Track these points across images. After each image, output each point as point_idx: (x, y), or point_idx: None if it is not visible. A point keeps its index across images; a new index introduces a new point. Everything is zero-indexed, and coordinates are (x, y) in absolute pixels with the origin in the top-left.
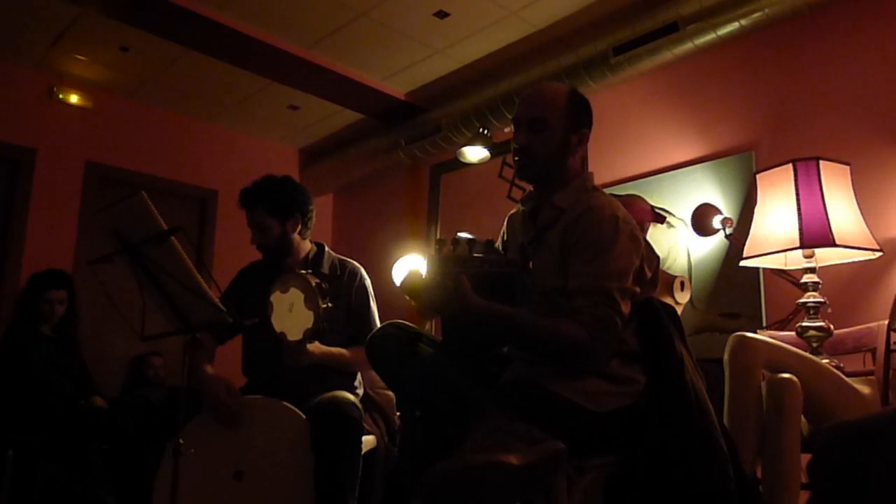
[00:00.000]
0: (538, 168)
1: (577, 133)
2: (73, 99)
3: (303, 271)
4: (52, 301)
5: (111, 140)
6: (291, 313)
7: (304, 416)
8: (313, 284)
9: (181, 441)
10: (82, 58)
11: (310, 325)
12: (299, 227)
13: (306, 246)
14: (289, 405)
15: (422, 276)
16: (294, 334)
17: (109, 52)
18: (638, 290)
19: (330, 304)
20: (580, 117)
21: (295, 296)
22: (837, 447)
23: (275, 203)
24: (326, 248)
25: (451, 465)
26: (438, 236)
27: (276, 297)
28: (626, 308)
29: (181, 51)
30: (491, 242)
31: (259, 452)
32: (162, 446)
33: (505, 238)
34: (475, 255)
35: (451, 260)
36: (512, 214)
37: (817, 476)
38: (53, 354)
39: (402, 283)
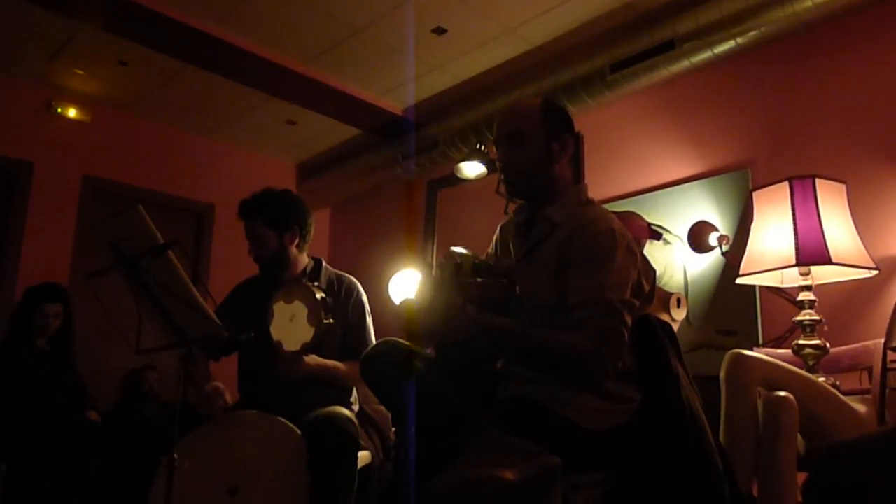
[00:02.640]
0: (526, 181)
1: (558, 140)
2: (71, 113)
3: (308, 283)
4: (47, 315)
5: (109, 154)
6: (292, 324)
7: (299, 432)
8: (318, 299)
9: (175, 456)
10: (81, 72)
11: (308, 339)
12: (297, 240)
13: (304, 260)
14: (284, 420)
15: (414, 306)
16: (291, 345)
17: (108, 66)
18: (637, 302)
19: (332, 320)
20: (558, 124)
21: (298, 307)
22: (833, 468)
23: (272, 214)
24: (324, 263)
25: (446, 480)
26: (435, 252)
27: (279, 307)
28: (628, 319)
29: (179, 65)
30: (479, 265)
31: (254, 468)
32: (156, 461)
33: (497, 248)
34: (461, 280)
35: (440, 283)
36: (504, 224)
37: (813, 497)
38: (48, 368)
39: (399, 315)
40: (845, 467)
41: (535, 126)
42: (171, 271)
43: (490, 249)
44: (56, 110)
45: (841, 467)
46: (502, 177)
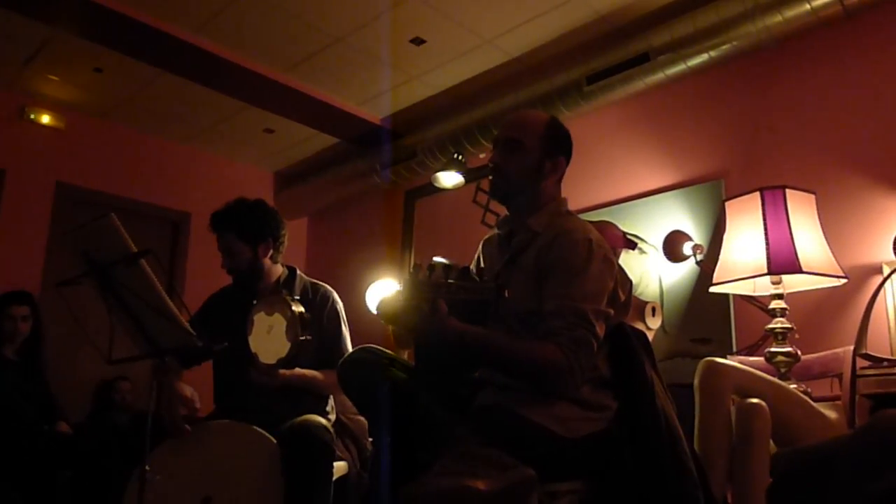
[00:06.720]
0: (509, 187)
1: (552, 160)
2: (45, 119)
3: (288, 297)
4: (14, 317)
5: (83, 161)
6: (269, 336)
7: (274, 441)
8: (297, 314)
9: (147, 467)
10: (55, 78)
11: (284, 354)
12: (270, 251)
13: (278, 270)
14: (259, 429)
15: (398, 300)
16: (267, 357)
17: (83, 72)
18: (612, 312)
19: (309, 337)
20: (557, 146)
21: (277, 320)
22: (795, 472)
23: (245, 228)
24: (298, 272)
25: (418, 489)
26: (413, 261)
27: (260, 318)
28: (601, 329)
29: (156, 72)
30: (466, 269)
31: (228, 477)
32: (128, 473)
33: (480, 262)
34: (450, 281)
35: (427, 285)
36: (487, 239)
37: (776, 502)
38: (17, 379)
39: (379, 308)
40: (807, 473)
41: (534, 140)
42: (144, 280)
43: (472, 265)
44: (29, 117)
45: (803, 473)
46: (490, 176)
